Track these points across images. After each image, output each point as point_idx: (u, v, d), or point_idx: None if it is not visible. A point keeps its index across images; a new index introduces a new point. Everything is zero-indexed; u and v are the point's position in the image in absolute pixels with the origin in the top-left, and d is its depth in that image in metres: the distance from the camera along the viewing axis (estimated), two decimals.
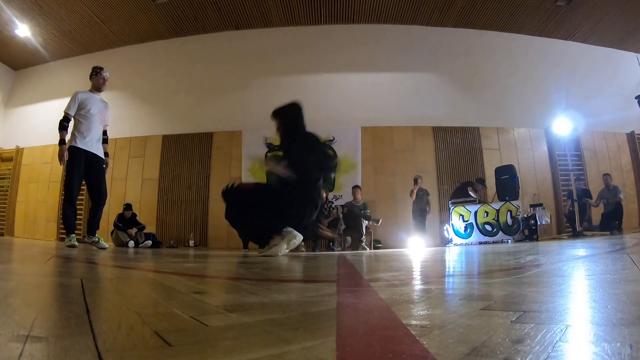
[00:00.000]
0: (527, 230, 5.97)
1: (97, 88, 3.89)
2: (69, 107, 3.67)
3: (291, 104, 3.35)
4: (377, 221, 6.22)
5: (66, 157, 3.55)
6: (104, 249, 3.64)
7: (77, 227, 3.83)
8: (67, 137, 3.69)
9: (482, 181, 6.80)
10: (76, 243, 3.55)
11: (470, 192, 6.36)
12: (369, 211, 6.27)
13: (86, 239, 3.77)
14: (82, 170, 3.64)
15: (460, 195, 6.42)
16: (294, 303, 0.78)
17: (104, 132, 3.95)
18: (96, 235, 3.74)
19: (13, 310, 0.65)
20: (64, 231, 7.03)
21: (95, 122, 3.76)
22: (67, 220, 3.61)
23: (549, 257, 2.17)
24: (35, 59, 8.65)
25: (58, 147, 3.59)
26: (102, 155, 3.84)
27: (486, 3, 7.28)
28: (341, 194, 7.09)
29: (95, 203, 3.79)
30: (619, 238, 4.27)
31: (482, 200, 6.53)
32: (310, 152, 3.00)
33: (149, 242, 6.17)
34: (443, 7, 7.48)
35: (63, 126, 3.63)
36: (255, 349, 0.44)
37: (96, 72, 3.90)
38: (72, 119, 3.71)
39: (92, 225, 3.75)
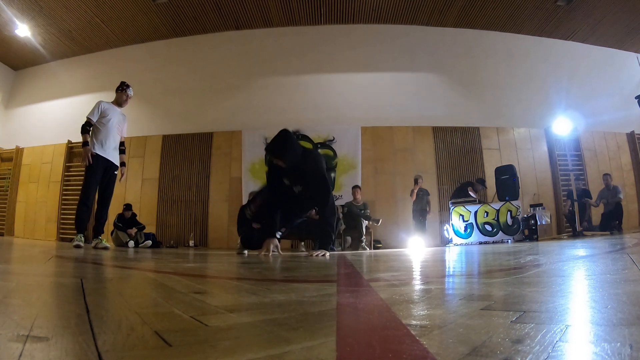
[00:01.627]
0: (527, 230, 5.97)
1: (119, 103, 4.14)
2: (92, 113, 3.91)
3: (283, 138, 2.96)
4: (377, 221, 6.22)
5: (90, 158, 3.77)
6: (106, 249, 3.73)
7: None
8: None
9: (482, 181, 6.80)
10: (82, 243, 3.64)
11: (470, 192, 6.36)
12: (369, 211, 6.26)
13: (91, 242, 3.92)
14: (99, 175, 3.88)
15: (460, 195, 6.42)
16: (294, 303, 0.78)
17: (122, 143, 4.19)
18: (99, 237, 3.90)
19: (13, 310, 0.65)
20: (65, 231, 7.04)
21: (113, 131, 4.01)
22: (79, 220, 3.80)
23: (549, 257, 2.17)
24: (35, 59, 8.66)
25: (83, 149, 3.82)
26: (117, 163, 4.07)
27: (486, 3, 7.28)
28: (341, 194, 7.10)
29: (102, 206, 4.00)
30: (619, 238, 4.27)
31: (482, 200, 6.53)
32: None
33: (149, 242, 6.17)
34: (443, 7, 7.48)
35: (86, 130, 3.86)
36: (255, 349, 0.44)
37: (122, 88, 4.15)
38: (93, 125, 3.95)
39: (98, 229, 3.93)
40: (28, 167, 8.38)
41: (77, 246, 3.54)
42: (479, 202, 6.25)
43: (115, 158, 4.03)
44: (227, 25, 8.08)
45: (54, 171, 8.05)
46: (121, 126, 4.13)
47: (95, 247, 3.76)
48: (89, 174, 3.82)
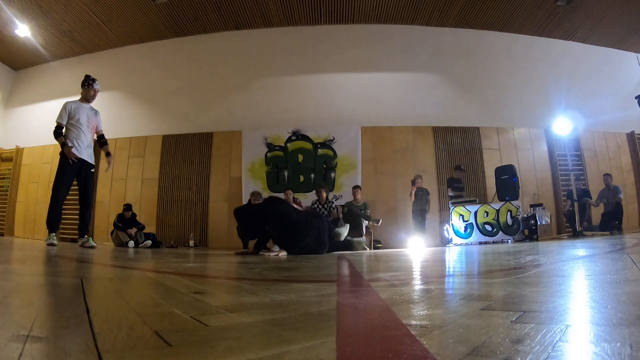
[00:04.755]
0: (527, 230, 5.97)
1: (86, 99, 4.12)
2: (60, 117, 3.92)
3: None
4: (377, 221, 6.21)
5: (74, 154, 3.78)
6: (92, 247, 3.76)
7: (65, 228, 3.98)
8: None
9: (458, 167, 6.84)
10: (55, 242, 3.67)
11: (454, 185, 6.52)
12: (369, 211, 6.26)
13: (78, 241, 3.94)
14: (72, 176, 3.88)
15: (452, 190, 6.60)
16: (294, 303, 0.78)
17: (102, 136, 4.20)
18: (85, 236, 3.91)
19: (13, 310, 0.65)
20: (65, 231, 7.06)
21: (84, 129, 3.99)
22: (50, 220, 3.78)
23: (549, 257, 2.18)
24: (35, 59, 8.65)
25: (64, 150, 3.83)
26: (92, 161, 4.05)
27: (486, 3, 7.28)
28: (341, 194, 7.09)
29: (84, 206, 4.01)
30: (619, 238, 4.27)
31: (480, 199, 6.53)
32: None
33: (149, 242, 6.17)
34: (443, 7, 7.47)
35: (58, 133, 3.89)
36: (255, 349, 0.44)
37: (88, 83, 4.14)
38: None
39: (82, 229, 3.95)
40: (28, 167, 8.37)
41: (51, 244, 3.57)
42: (479, 202, 6.25)
43: (88, 156, 4.00)
44: (227, 25, 8.08)
45: (54, 171, 8.03)
46: (93, 122, 4.08)
47: (82, 246, 3.79)
48: (61, 174, 3.82)
